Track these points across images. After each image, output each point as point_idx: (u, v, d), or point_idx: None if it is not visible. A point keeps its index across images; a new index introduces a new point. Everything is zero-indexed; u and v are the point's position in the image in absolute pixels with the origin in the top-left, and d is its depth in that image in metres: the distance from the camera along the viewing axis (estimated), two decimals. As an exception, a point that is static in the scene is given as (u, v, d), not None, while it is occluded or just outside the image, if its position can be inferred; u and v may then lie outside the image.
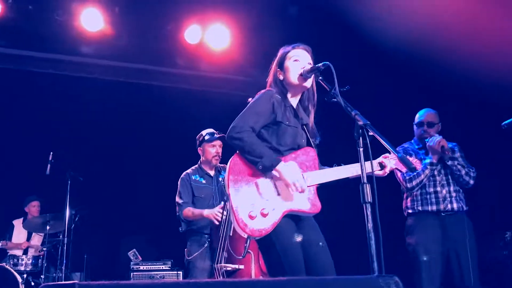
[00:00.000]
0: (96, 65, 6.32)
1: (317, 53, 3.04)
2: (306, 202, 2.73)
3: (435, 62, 5.65)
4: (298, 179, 2.66)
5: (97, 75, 6.35)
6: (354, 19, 5.61)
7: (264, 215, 2.62)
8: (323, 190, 2.87)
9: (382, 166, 2.93)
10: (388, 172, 2.96)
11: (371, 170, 2.43)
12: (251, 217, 2.61)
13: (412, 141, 4.50)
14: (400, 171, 4.27)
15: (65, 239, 5.43)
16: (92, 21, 5.69)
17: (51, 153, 5.41)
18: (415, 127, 4.44)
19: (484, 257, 4.35)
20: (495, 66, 5.04)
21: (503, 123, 3.46)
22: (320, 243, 2.78)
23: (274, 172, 2.69)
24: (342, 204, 3.57)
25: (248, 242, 2.76)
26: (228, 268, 4.21)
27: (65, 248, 5.39)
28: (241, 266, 4.21)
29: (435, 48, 5.41)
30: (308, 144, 2.95)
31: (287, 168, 2.69)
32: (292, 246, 2.67)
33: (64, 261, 5.38)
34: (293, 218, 2.77)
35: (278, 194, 2.71)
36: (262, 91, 2.94)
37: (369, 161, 2.32)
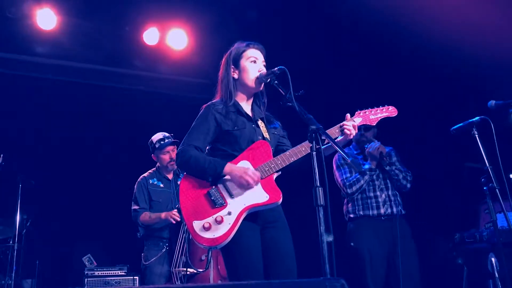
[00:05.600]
0: (50, 65, 6.13)
1: (276, 56, 3.06)
2: (263, 194, 2.71)
3: (382, 64, 5.82)
4: (246, 171, 2.66)
5: (51, 75, 6.17)
6: (313, 23, 5.70)
7: (219, 222, 2.63)
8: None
9: (342, 130, 2.83)
10: (354, 132, 2.82)
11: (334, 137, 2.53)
12: (206, 228, 2.62)
13: (351, 146, 4.61)
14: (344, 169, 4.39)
15: (16, 244, 5.24)
16: (46, 20, 5.53)
17: (1, 155, 5.23)
18: None
19: (435, 258, 4.49)
20: (444, 68, 5.20)
21: (452, 128, 3.57)
22: (288, 248, 2.79)
23: (224, 177, 2.70)
24: (295, 206, 3.60)
25: (210, 253, 2.79)
26: (187, 273, 4.19)
27: (15, 254, 5.20)
28: (200, 271, 4.20)
29: (382, 53, 5.56)
30: (265, 138, 2.92)
31: (234, 167, 2.71)
32: (250, 251, 2.67)
33: (15, 268, 5.20)
34: (259, 221, 2.76)
35: (232, 197, 2.70)
36: (203, 106, 2.92)
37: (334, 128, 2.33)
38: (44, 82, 6.14)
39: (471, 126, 3.43)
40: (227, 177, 2.70)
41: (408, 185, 4.35)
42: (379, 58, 5.81)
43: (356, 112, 2.98)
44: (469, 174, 5.05)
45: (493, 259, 3.86)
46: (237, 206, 2.68)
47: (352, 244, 4.31)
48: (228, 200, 2.69)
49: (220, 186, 2.72)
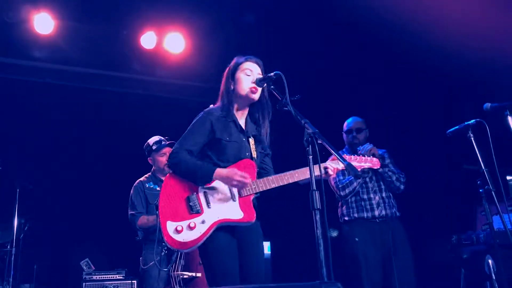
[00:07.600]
0: (48, 69, 6.15)
1: (272, 59, 3.09)
2: (238, 212, 2.81)
3: (378, 68, 5.83)
4: (236, 172, 2.75)
5: (48, 79, 6.18)
6: (309, 26, 5.73)
7: (191, 228, 2.74)
8: (277, 196, 2.92)
9: (326, 170, 2.95)
10: (335, 173, 2.96)
11: (316, 174, 2.44)
12: (178, 231, 2.73)
13: (344, 149, 4.62)
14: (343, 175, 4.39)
15: (13, 249, 5.23)
16: (44, 24, 5.55)
17: (-1, 160, 5.24)
18: (344, 135, 4.57)
19: (432, 260, 4.50)
20: (440, 70, 5.21)
21: (448, 130, 3.59)
22: (258, 256, 2.89)
23: (214, 179, 2.78)
24: (291, 210, 3.61)
25: (177, 254, 2.90)
26: (185, 276, 4.19)
27: (13, 258, 5.20)
28: (198, 274, 4.20)
29: (379, 56, 5.57)
30: (253, 157, 2.99)
31: (224, 171, 2.79)
32: (223, 261, 2.75)
33: (12, 273, 5.19)
34: (234, 232, 2.83)
35: (209, 207, 2.80)
36: (201, 112, 3.00)
37: (317, 165, 2.36)
38: (42, 86, 6.15)
39: (466, 128, 3.44)
40: (215, 183, 2.79)
41: (402, 187, 4.36)
42: (375, 61, 5.83)
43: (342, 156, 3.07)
44: (466, 176, 5.07)
45: (490, 261, 3.88)
46: (211, 216, 2.78)
47: (345, 247, 4.30)
48: (205, 209, 2.80)
49: (201, 194, 2.82)
